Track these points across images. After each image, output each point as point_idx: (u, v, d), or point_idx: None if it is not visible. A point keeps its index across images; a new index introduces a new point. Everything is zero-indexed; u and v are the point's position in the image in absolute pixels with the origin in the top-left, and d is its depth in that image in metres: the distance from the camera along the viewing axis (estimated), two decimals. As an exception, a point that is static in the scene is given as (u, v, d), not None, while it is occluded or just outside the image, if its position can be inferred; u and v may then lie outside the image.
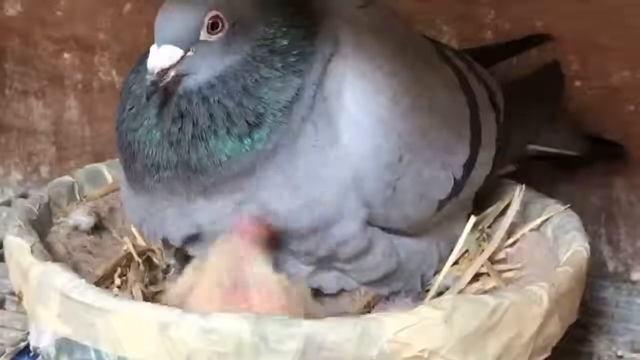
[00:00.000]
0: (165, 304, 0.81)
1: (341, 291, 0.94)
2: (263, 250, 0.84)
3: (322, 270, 0.91)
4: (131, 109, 0.88)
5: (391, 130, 0.88)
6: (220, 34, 0.85)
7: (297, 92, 0.85)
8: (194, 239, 0.89)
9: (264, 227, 0.85)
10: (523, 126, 1.05)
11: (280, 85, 0.85)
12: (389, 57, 0.90)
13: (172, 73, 0.83)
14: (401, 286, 0.94)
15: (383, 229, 0.91)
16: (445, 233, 0.97)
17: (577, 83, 1.15)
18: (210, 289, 0.83)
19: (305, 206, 0.86)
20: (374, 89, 0.88)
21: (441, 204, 0.93)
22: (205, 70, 0.85)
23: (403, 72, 0.90)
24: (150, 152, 0.86)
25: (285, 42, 0.86)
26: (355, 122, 0.86)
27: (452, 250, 0.96)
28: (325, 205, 0.86)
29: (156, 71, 0.83)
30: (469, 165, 0.95)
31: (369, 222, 0.89)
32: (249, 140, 0.84)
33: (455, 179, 0.94)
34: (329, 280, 0.92)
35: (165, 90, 0.85)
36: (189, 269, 0.87)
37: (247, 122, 0.84)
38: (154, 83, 0.83)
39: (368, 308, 0.94)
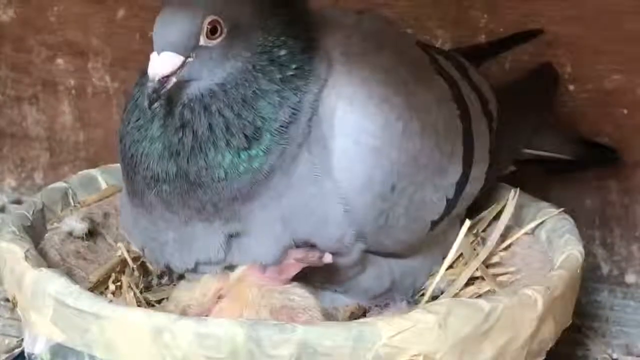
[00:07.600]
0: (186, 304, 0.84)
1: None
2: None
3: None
4: (137, 120, 0.88)
5: (383, 159, 0.87)
6: (219, 39, 0.84)
7: (293, 112, 0.85)
8: (195, 269, 0.89)
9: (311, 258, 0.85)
10: (517, 130, 1.05)
11: (277, 99, 0.84)
12: (380, 82, 0.88)
13: (173, 80, 0.83)
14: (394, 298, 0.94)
15: (376, 253, 0.90)
16: (439, 245, 0.97)
17: (571, 87, 1.15)
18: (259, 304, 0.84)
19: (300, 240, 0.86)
20: (364, 119, 0.87)
21: (434, 224, 0.93)
22: (206, 76, 0.84)
23: (395, 96, 0.89)
24: (151, 164, 0.86)
25: (283, 52, 0.86)
26: (347, 154, 0.86)
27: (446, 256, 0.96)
28: (321, 240, 0.86)
29: (157, 78, 0.82)
30: (461, 183, 0.95)
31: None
32: (246, 154, 0.83)
33: (447, 199, 0.94)
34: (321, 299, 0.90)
35: (169, 100, 0.84)
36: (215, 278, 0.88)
37: (245, 135, 0.83)
38: (156, 90, 0.82)
39: (353, 317, 0.93)
